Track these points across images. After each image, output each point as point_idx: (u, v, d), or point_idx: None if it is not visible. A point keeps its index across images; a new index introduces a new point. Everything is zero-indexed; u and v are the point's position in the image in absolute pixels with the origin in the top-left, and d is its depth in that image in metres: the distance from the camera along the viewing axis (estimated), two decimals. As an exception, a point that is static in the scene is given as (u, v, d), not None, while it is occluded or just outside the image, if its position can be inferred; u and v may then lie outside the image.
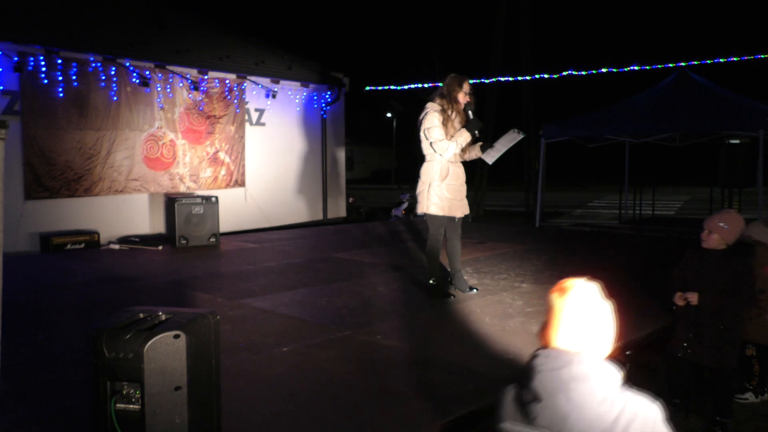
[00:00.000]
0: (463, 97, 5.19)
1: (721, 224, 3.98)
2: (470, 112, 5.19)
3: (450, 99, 5.17)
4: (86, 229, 8.94)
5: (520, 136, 5.23)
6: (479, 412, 2.99)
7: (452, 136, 5.13)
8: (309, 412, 3.00)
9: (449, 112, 5.16)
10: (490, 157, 5.31)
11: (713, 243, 4.00)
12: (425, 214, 5.30)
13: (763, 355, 4.53)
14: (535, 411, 1.68)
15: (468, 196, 5.48)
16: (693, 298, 3.96)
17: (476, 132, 5.20)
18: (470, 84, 5.26)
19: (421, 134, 5.21)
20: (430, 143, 5.14)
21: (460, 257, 5.55)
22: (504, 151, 5.28)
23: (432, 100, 5.26)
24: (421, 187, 5.26)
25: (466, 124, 5.18)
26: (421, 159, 5.41)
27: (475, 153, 5.36)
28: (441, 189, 5.16)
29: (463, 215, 5.37)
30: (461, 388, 3.22)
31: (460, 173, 5.32)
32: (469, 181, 5.59)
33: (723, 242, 4.00)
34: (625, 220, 14.39)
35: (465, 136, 5.15)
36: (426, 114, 5.17)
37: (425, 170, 5.26)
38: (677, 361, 4.23)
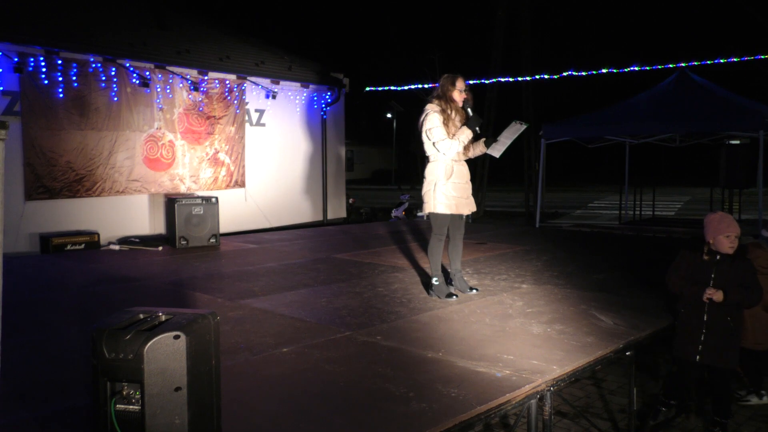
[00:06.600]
0: (458, 95, 5.22)
1: (738, 227, 4.07)
2: (469, 110, 5.22)
3: (446, 99, 5.21)
4: (86, 230, 8.94)
5: (523, 127, 5.23)
6: (479, 413, 2.99)
7: (454, 135, 5.15)
8: (309, 412, 2.99)
9: (449, 112, 5.20)
10: (496, 151, 5.29)
11: (736, 246, 4.05)
12: (431, 214, 5.29)
13: (748, 358, 4.53)
14: None
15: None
16: (718, 295, 3.91)
17: (477, 129, 5.22)
18: (464, 81, 5.27)
19: (423, 136, 5.23)
20: (433, 143, 5.16)
21: (461, 257, 5.57)
22: (509, 143, 5.28)
23: (429, 102, 5.29)
24: (427, 187, 5.26)
25: (467, 122, 5.21)
26: (422, 160, 5.41)
27: (479, 149, 5.36)
28: (447, 188, 5.19)
29: (470, 212, 5.41)
30: (462, 389, 3.22)
31: (464, 171, 5.35)
32: (471, 180, 5.58)
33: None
34: (626, 221, 14.41)
35: (466, 134, 5.18)
36: (426, 115, 5.20)
37: (430, 170, 5.27)
38: (679, 363, 4.23)
